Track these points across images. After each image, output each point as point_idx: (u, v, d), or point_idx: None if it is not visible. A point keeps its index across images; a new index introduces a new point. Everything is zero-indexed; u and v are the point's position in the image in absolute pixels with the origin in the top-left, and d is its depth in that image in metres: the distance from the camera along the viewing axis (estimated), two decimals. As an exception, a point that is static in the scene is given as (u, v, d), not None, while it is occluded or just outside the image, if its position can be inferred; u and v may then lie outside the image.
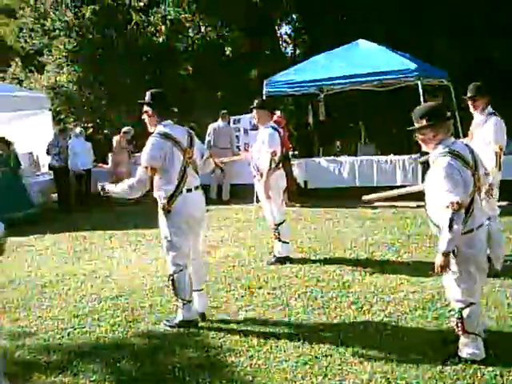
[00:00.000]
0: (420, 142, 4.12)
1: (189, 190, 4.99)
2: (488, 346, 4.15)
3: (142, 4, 15.79)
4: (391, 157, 11.27)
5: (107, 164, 13.81)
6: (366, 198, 5.91)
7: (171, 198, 4.90)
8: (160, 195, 4.96)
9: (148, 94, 5.13)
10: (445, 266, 3.80)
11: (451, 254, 3.85)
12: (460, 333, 4.06)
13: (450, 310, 4.76)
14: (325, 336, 4.74)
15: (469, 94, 6.63)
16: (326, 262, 6.98)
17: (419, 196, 4.58)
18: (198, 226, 5.19)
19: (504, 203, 9.52)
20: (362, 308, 5.35)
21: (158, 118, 5.04)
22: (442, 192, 3.77)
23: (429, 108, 4.11)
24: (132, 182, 4.96)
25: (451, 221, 3.67)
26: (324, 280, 6.25)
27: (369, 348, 4.47)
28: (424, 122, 4.00)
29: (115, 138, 13.45)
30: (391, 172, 11.08)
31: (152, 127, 5.10)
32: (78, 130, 13.46)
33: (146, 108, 5.10)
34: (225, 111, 12.83)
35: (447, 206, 3.70)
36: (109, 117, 16.50)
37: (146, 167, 4.88)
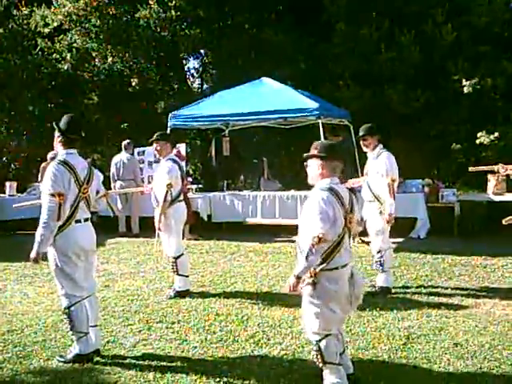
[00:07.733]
0: (307, 171, 4.31)
1: (78, 221, 4.94)
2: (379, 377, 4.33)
3: (47, 30, 15.46)
4: (292, 192, 11.51)
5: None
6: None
7: (60, 228, 4.82)
8: None
9: (65, 118, 5.03)
10: (295, 288, 3.99)
11: (311, 287, 4.04)
12: (320, 365, 4.17)
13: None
14: (222, 370, 4.76)
15: (360, 134, 7.03)
16: (226, 295, 7.04)
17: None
18: (88, 258, 5.09)
19: (400, 239, 10.03)
20: (259, 341, 5.42)
21: (63, 145, 4.98)
22: (311, 222, 3.98)
23: (327, 142, 4.42)
24: (42, 218, 4.72)
25: (309, 251, 3.89)
26: (223, 314, 6.30)
27: (266, 381, 4.54)
28: (316, 152, 4.23)
29: (42, 165, 12.89)
30: (293, 207, 11.23)
31: (57, 150, 5.05)
32: None
33: (56, 132, 5.00)
34: (128, 141, 12.48)
35: (311, 237, 3.91)
36: (7, 144, 15.90)
37: (53, 194, 4.72)
